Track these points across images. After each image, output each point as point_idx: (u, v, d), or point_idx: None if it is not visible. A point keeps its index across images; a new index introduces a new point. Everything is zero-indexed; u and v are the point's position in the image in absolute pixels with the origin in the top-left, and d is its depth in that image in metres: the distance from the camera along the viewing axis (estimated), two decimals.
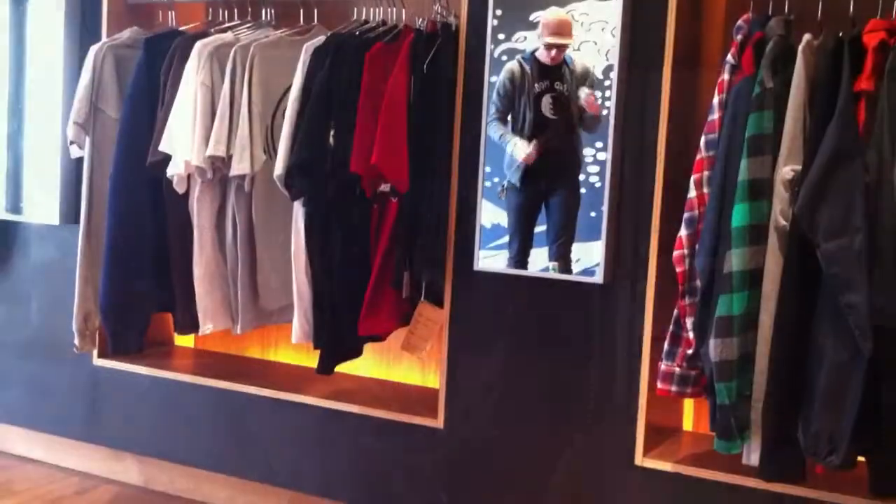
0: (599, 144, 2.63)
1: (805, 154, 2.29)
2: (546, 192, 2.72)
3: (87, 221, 3.25)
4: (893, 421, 2.23)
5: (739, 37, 2.45)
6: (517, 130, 2.71)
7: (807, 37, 2.35)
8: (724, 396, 2.34)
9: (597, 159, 2.63)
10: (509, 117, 2.72)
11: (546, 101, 2.68)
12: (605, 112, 2.61)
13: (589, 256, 2.65)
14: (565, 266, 2.68)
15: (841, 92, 2.23)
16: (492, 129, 2.74)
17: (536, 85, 2.69)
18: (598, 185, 2.63)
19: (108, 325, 3.24)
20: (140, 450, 3.48)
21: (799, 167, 2.29)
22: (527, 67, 2.70)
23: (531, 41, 2.70)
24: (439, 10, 2.89)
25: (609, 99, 2.61)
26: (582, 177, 2.65)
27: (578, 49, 2.65)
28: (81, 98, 3.19)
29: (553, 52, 2.66)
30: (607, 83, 2.61)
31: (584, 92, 2.64)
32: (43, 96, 3.49)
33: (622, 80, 2.60)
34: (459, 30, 2.80)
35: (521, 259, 2.75)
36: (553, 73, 2.68)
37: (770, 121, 2.32)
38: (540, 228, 2.73)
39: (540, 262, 2.72)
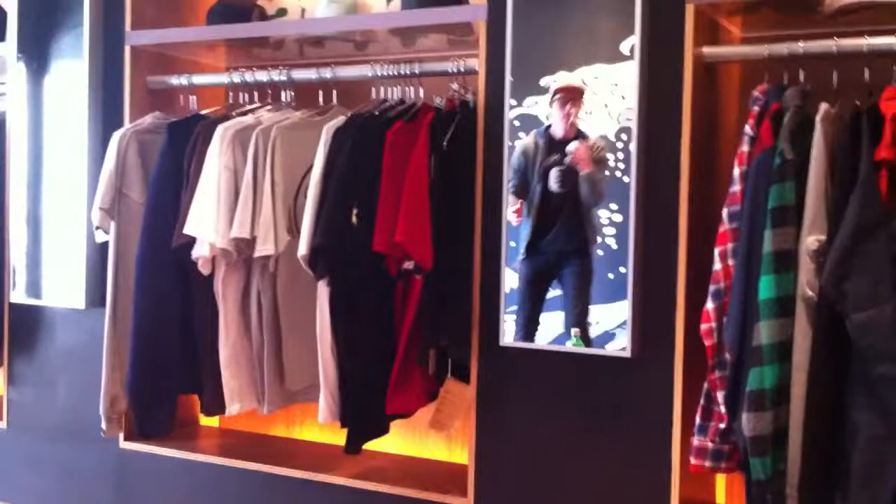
0: (615, 206, 2.63)
1: (829, 224, 2.28)
2: (557, 263, 2.71)
3: (114, 305, 3.26)
4: None
5: (756, 108, 2.46)
6: (529, 205, 2.72)
7: (824, 106, 2.36)
8: (759, 472, 2.30)
9: (612, 221, 2.64)
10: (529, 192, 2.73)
11: (553, 175, 2.68)
12: (618, 174, 2.61)
13: (608, 319, 2.64)
14: (584, 333, 2.67)
15: (862, 161, 2.23)
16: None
17: (546, 159, 2.69)
18: (614, 247, 2.63)
19: (136, 409, 3.23)
20: None
21: (823, 237, 2.28)
22: (540, 142, 2.71)
23: (542, 105, 2.71)
24: (457, 88, 2.93)
25: (622, 161, 2.61)
26: (599, 239, 2.64)
27: (590, 112, 2.66)
28: (106, 184, 3.23)
29: (567, 107, 2.65)
30: (619, 145, 2.62)
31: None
32: (64, 180, 3.52)
33: (641, 145, 2.60)
34: (477, 106, 2.83)
35: (527, 331, 2.74)
36: (564, 147, 2.68)
37: (792, 192, 2.32)
38: (555, 293, 2.72)
39: (553, 328, 2.71)
